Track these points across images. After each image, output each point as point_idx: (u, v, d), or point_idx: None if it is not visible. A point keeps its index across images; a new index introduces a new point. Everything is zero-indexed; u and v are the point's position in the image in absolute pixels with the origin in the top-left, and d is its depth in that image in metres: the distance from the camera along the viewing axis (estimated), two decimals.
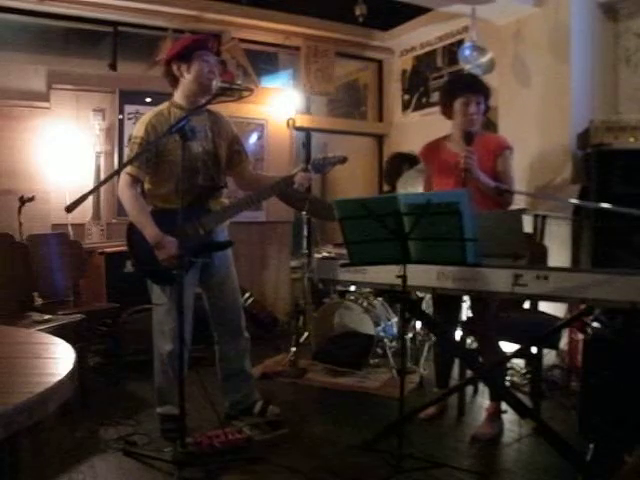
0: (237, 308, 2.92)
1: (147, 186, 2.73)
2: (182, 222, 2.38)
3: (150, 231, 2.56)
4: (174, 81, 2.75)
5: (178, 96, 2.74)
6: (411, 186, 3.67)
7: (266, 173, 2.95)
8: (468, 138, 2.73)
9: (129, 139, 2.72)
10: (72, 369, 1.24)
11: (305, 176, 2.73)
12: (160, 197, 2.69)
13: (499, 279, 2.23)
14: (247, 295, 4.90)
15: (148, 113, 2.73)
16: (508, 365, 3.49)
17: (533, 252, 3.29)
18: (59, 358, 1.34)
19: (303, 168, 2.76)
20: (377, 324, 3.90)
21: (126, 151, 2.99)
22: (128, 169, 2.59)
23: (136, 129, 2.68)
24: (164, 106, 2.73)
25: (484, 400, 3.21)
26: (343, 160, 2.82)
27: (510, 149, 2.90)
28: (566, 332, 3.57)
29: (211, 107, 2.78)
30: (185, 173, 2.44)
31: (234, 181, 2.98)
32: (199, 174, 2.69)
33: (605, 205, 2.44)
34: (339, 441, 2.76)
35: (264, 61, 5.81)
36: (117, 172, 2.67)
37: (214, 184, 2.75)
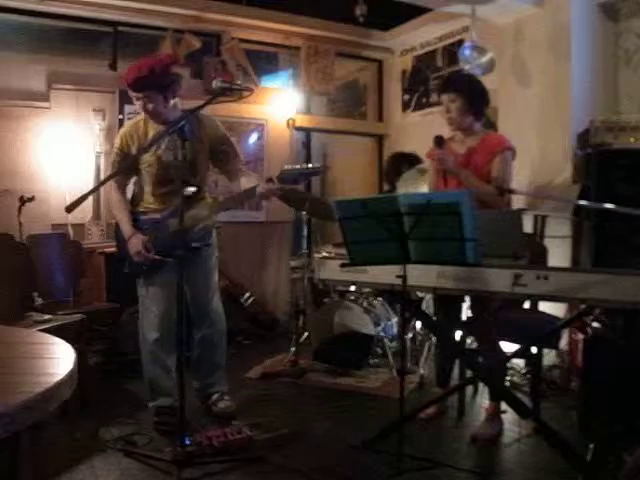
0: (206, 297, 3.02)
1: (136, 191, 2.99)
2: (154, 224, 2.75)
3: (125, 228, 2.85)
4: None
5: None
6: (411, 186, 3.66)
7: (248, 177, 2.93)
8: (436, 141, 2.80)
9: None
10: (72, 369, 1.24)
11: (267, 188, 2.67)
12: (144, 201, 2.93)
13: (499, 279, 2.23)
14: (247, 295, 4.90)
15: (126, 124, 3.00)
16: (508, 365, 3.49)
17: (533, 252, 3.29)
18: (59, 358, 1.34)
19: (268, 179, 2.72)
20: (377, 324, 3.90)
21: (109, 158, 3.19)
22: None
23: (115, 139, 2.96)
24: (139, 118, 2.91)
25: (484, 400, 3.20)
26: (317, 171, 2.79)
27: (511, 150, 2.86)
28: (566, 332, 3.57)
29: (207, 108, 2.74)
30: (162, 181, 2.78)
31: (227, 179, 3.07)
32: (174, 181, 2.77)
33: (605, 205, 2.44)
34: (339, 441, 2.76)
35: (264, 61, 5.80)
36: (116, 173, 2.80)
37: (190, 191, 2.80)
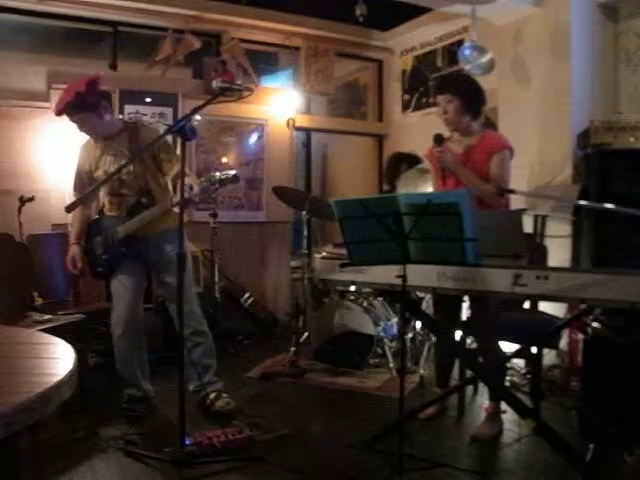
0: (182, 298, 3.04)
1: (100, 198, 3.19)
2: (104, 230, 3.07)
3: (71, 236, 3.20)
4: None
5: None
6: (411, 186, 3.66)
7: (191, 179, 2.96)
8: (436, 139, 2.82)
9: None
10: (72, 369, 1.24)
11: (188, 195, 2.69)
12: (105, 208, 3.14)
13: (499, 279, 2.23)
14: (247, 295, 4.90)
15: (81, 145, 3.19)
16: (508, 365, 3.49)
17: (533, 252, 3.29)
18: (59, 358, 1.34)
19: (189, 186, 2.74)
20: (377, 324, 3.90)
21: None
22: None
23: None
24: (88, 137, 3.13)
25: (484, 400, 3.20)
26: (235, 180, 2.78)
27: (509, 149, 2.86)
28: (566, 332, 3.57)
29: (138, 124, 3.13)
30: (114, 191, 3.04)
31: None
32: (121, 189, 3.04)
33: (605, 205, 2.44)
34: (339, 441, 2.76)
35: (264, 61, 5.80)
36: (116, 173, 2.88)
37: (137, 198, 3.03)
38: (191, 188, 2.71)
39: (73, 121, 2.98)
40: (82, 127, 3.02)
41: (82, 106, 2.88)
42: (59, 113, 2.94)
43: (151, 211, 2.95)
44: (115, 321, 3.05)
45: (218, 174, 2.75)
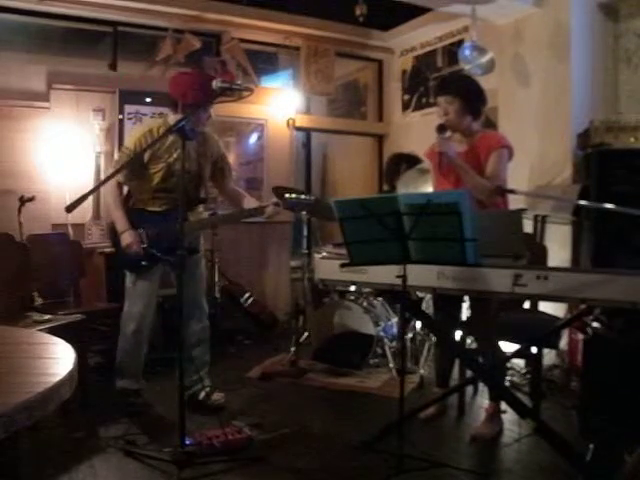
0: (199, 294, 3.23)
1: (133, 189, 3.12)
2: (153, 224, 2.98)
3: (120, 223, 3.01)
4: (173, 104, 2.99)
5: (172, 119, 2.96)
6: (411, 186, 3.66)
7: (248, 197, 3.27)
8: (438, 128, 2.83)
9: (120, 147, 3.13)
10: (72, 369, 1.24)
11: (275, 210, 3.01)
12: (142, 201, 3.08)
13: (499, 279, 2.23)
14: (247, 295, 4.89)
15: (141, 127, 3.11)
16: (508, 365, 3.49)
17: (533, 252, 3.29)
18: (59, 358, 1.34)
19: (275, 203, 3.04)
20: (377, 324, 3.90)
21: (115, 156, 3.33)
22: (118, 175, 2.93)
23: (128, 140, 3.12)
24: (156, 124, 3.03)
25: (484, 400, 3.20)
26: (310, 204, 3.22)
27: (508, 148, 2.85)
28: (566, 332, 3.57)
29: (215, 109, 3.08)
30: (164, 186, 2.98)
31: (218, 191, 3.41)
32: (175, 188, 2.98)
33: (605, 205, 2.44)
34: (339, 441, 2.76)
35: (264, 61, 5.80)
36: (116, 173, 2.82)
37: (191, 199, 3.04)
38: (278, 205, 3.00)
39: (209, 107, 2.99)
40: (206, 115, 3.00)
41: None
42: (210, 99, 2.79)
43: (212, 218, 3.11)
44: (131, 316, 3.07)
45: (304, 197, 3.13)
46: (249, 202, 3.18)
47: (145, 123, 3.12)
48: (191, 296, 3.08)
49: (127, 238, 2.96)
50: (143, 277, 3.06)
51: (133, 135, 3.06)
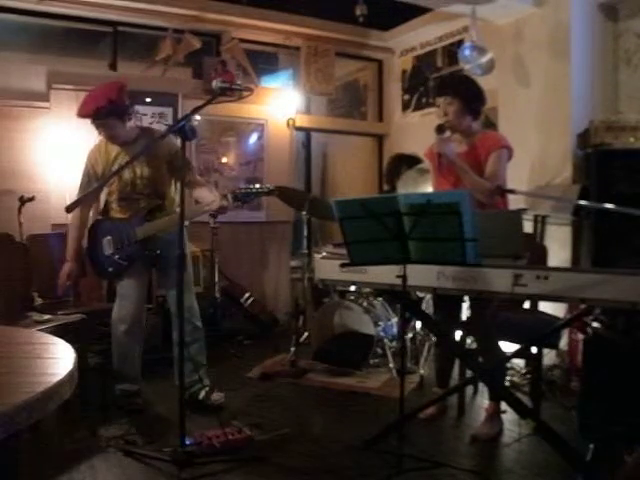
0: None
1: (106, 200, 3.23)
2: (119, 231, 3.08)
3: (68, 249, 3.24)
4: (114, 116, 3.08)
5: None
6: (411, 186, 3.66)
7: (209, 189, 3.18)
8: (438, 129, 2.83)
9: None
10: (72, 369, 1.24)
11: (221, 204, 2.87)
12: (111, 209, 3.18)
13: (499, 279, 2.23)
14: (247, 295, 4.90)
15: (90, 148, 3.22)
16: (508, 365, 3.49)
17: (533, 252, 3.29)
18: (59, 358, 1.34)
19: (223, 195, 2.92)
20: (377, 324, 3.90)
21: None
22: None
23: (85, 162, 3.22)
24: (102, 139, 3.17)
25: (484, 400, 3.20)
26: (270, 192, 2.99)
27: (507, 148, 2.84)
28: (566, 332, 3.57)
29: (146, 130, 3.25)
30: (124, 195, 3.08)
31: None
32: (133, 193, 3.10)
33: (605, 205, 2.44)
34: (339, 441, 2.76)
35: (264, 61, 5.80)
36: (116, 173, 2.91)
37: (152, 202, 3.10)
38: (226, 197, 2.87)
39: (97, 125, 3.05)
40: (105, 132, 3.07)
41: (112, 112, 2.97)
42: (85, 116, 3.00)
43: (172, 218, 2.99)
44: (121, 317, 3.11)
45: (257, 186, 2.97)
46: (208, 195, 3.04)
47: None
48: (172, 297, 3.13)
49: (63, 268, 3.20)
50: (128, 276, 3.10)
51: (86, 157, 3.20)
